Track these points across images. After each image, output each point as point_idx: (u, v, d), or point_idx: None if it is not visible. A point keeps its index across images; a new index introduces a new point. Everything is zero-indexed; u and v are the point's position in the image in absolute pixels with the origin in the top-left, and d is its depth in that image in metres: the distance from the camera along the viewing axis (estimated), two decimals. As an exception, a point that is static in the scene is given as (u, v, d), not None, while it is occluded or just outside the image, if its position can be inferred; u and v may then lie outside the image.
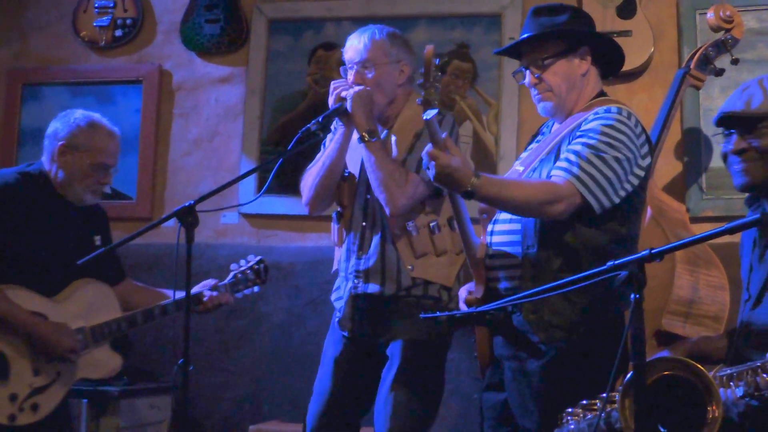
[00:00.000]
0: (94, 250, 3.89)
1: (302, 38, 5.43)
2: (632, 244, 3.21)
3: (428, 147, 2.97)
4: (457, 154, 2.94)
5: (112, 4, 5.66)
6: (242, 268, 4.20)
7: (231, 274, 4.19)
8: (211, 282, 4.16)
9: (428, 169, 2.97)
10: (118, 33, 5.66)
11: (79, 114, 4.11)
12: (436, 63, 3.02)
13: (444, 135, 2.98)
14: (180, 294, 3.86)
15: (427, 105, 2.97)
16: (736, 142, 2.89)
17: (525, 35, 3.29)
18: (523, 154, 3.43)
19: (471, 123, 5.09)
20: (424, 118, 2.94)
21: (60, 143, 4.02)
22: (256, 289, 4.24)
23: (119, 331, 4.05)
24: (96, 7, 5.67)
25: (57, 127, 4.07)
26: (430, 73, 3.00)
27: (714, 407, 2.39)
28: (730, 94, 4.65)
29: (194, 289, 4.08)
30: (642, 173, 3.15)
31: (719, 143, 2.98)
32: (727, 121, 2.95)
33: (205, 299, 4.10)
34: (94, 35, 5.68)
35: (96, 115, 4.14)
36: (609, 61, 3.38)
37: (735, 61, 4.42)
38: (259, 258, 4.24)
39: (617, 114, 3.14)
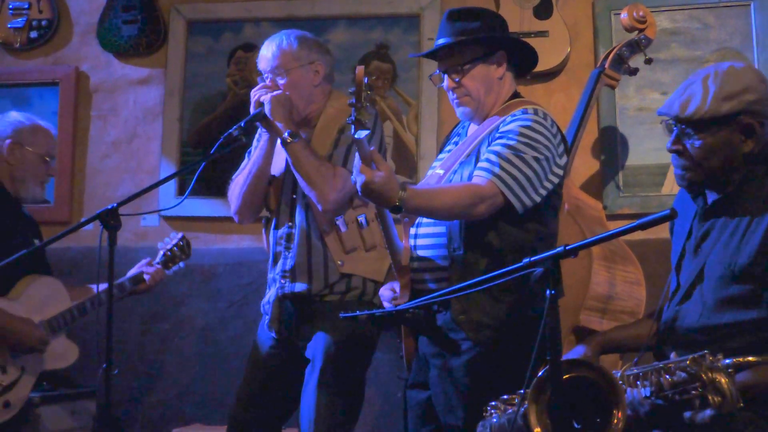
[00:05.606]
0: (36, 252, 4.09)
1: (221, 39, 5.40)
2: (553, 241, 3.27)
3: (357, 162, 2.99)
4: (383, 170, 2.96)
5: (27, 6, 5.57)
6: (168, 247, 4.42)
7: (161, 253, 4.41)
8: (145, 261, 4.38)
9: (355, 184, 3.00)
10: (34, 34, 5.57)
11: (14, 114, 4.39)
12: (366, 82, 3.02)
13: (372, 149, 3.00)
14: (120, 279, 4.24)
15: (359, 125, 2.98)
16: (673, 141, 2.87)
17: (442, 40, 3.32)
18: (442, 155, 3.46)
19: (391, 123, 5.11)
20: (356, 137, 2.95)
21: (8, 141, 4.24)
22: (182, 264, 4.46)
23: (73, 320, 4.20)
24: (10, 9, 5.58)
25: None
26: (361, 94, 3.01)
27: (618, 411, 2.44)
28: (645, 93, 4.83)
29: (132, 271, 4.35)
30: (560, 172, 3.22)
31: (666, 134, 2.93)
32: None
33: (147, 279, 4.33)
34: (9, 37, 5.59)
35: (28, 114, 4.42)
36: (522, 62, 3.44)
37: (648, 61, 4.49)
38: (181, 235, 4.47)
39: (534, 115, 3.21)
